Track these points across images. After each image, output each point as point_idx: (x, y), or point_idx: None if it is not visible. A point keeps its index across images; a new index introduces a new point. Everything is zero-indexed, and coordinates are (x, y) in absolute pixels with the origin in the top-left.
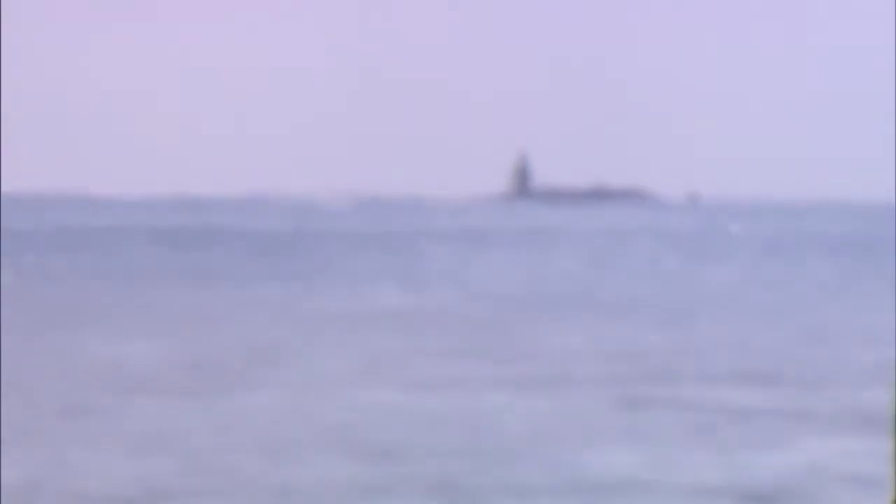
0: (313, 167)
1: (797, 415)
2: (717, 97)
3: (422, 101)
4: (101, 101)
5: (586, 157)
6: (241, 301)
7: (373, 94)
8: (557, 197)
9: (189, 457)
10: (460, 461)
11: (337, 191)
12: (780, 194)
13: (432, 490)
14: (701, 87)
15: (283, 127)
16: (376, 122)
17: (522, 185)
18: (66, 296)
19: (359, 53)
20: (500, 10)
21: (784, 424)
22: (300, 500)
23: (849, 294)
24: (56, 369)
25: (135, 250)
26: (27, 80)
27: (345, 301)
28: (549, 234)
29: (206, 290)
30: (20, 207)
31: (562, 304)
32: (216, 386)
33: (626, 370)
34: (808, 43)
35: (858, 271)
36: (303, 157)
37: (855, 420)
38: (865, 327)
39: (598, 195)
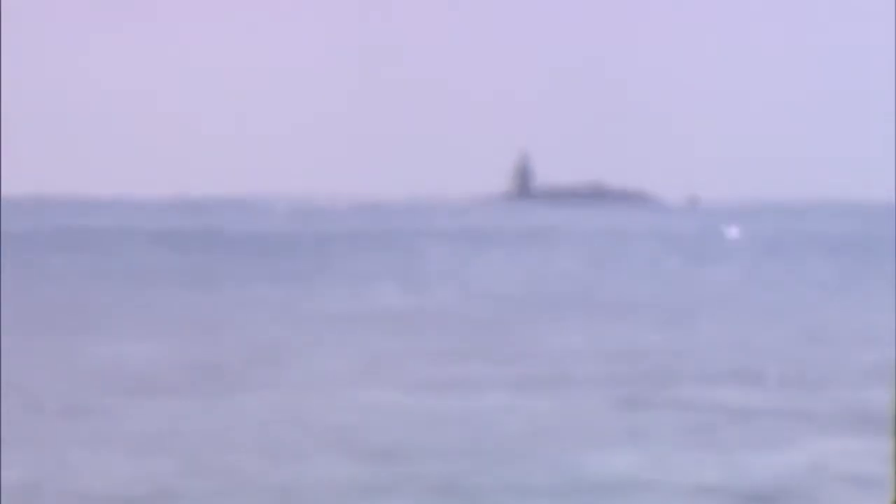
0: (313, 168)
1: (797, 415)
2: (716, 98)
3: (422, 102)
4: (101, 101)
5: (586, 157)
6: (241, 302)
7: (373, 95)
8: (558, 197)
9: (190, 457)
10: (461, 461)
11: (337, 191)
12: (780, 195)
13: (433, 490)
14: (701, 88)
15: (282, 127)
16: (376, 123)
17: (523, 185)
18: (66, 297)
19: (359, 53)
20: (500, 10)
21: (784, 424)
22: (300, 500)
23: (849, 294)
24: (57, 370)
25: (135, 251)
26: (27, 81)
27: (345, 302)
28: (550, 234)
29: (207, 290)
30: (20, 208)
31: (562, 305)
32: (216, 386)
33: (626, 370)
34: (808, 43)
35: (858, 271)
36: (303, 158)
37: (855, 420)
38: (865, 327)
39: (599, 196)
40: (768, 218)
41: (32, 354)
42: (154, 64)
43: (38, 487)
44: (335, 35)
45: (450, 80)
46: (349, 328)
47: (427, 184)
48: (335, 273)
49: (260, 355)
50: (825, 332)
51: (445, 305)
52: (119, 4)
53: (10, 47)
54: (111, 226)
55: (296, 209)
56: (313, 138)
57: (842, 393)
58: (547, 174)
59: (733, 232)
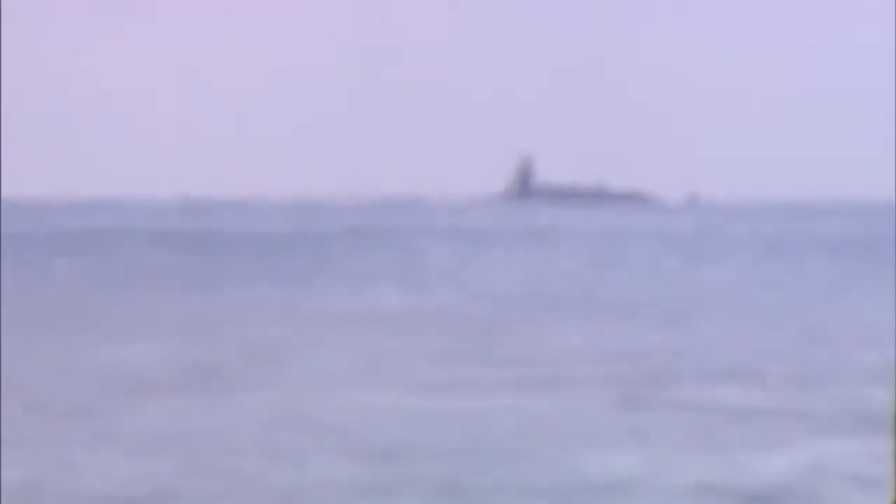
0: (314, 168)
1: (797, 415)
2: (717, 98)
3: (422, 102)
4: (100, 101)
5: (587, 157)
6: (241, 302)
7: (373, 95)
8: (558, 198)
9: (190, 458)
10: (461, 461)
11: (337, 191)
12: (781, 194)
13: (433, 491)
14: (701, 88)
15: (283, 127)
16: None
17: (523, 185)
18: (66, 297)
19: (359, 53)
20: (500, 10)
21: (784, 424)
22: (301, 500)
23: (849, 294)
24: (57, 371)
25: (135, 252)
26: (27, 81)
27: (345, 301)
28: (550, 234)
29: (207, 291)
30: (19, 209)
31: (562, 305)
32: (217, 387)
33: (626, 370)
34: (808, 43)
35: (858, 271)
36: (303, 158)
37: (855, 420)
38: (865, 327)
39: (599, 196)
40: (768, 218)
41: (33, 355)
42: (154, 64)
43: (38, 487)
44: (335, 35)
45: (450, 80)
46: (349, 328)
47: (427, 184)
48: (335, 273)
49: (260, 355)
50: (825, 331)
51: (445, 305)
52: (119, 4)
53: (10, 47)
54: (111, 226)
55: (296, 209)
56: (313, 138)
57: (842, 393)
58: (547, 174)
59: (737, 230)
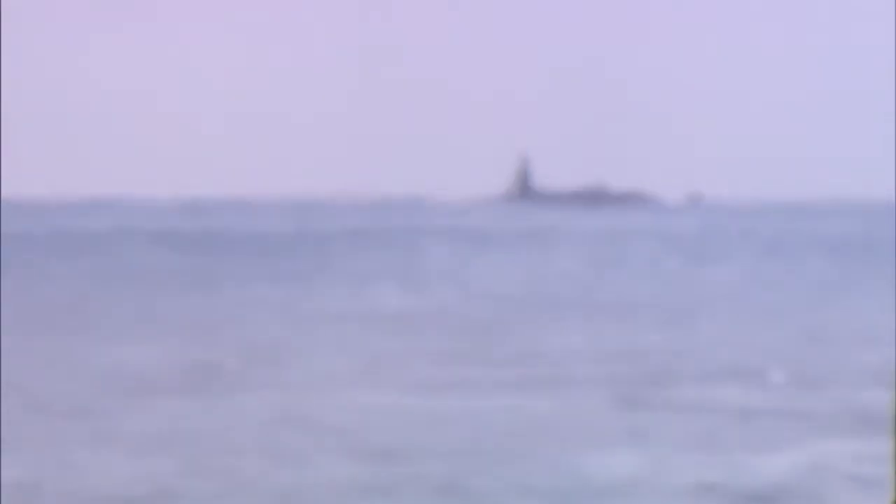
0: (314, 168)
1: (797, 415)
2: (717, 98)
3: (422, 102)
4: (101, 101)
5: (587, 158)
6: (241, 302)
7: (373, 95)
8: (558, 199)
9: (190, 458)
10: (461, 462)
11: (337, 191)
12: (781, 194)
13: (433, 491)
14: (701, 88)
15: (283, 127)
16: (376, 123)
17: (523, 186)
18: (66, 298)
19: (359, 54)
20: (500, 10)
21: (784, 424)
22: (301, 500)
23: (849, 294)
24: (58, 371)
25: (135, 252)
26: (27, 81)
27: (345, 302)
28: (550, 235)
29: (207, 291)
30: (19, 209)
31: (562, 305)
32: (217, 387)
33: (626, 371)
34: (808, 43)
35: (858, 271)
36: (303, 158)
37: (855, 420)
38: (865, 327)
39: (599, 197)
40: (768, 217)
41: (33, 355)
42: (154, 64)
43: (39, 487)
44: (335, 35)
45: (450, 80)
46: (349, 328)
47: (427, 184)
48: (335, 273)
49: (260, 356)
50: (825, 332)
51: (445, 306)
52: (119, 4)
53: (10, 47)
54: (111, 226)
55: (296, 209)
56: (313, 138)
57: (842, 393)
58: (547, 175)
59: (739, 226)
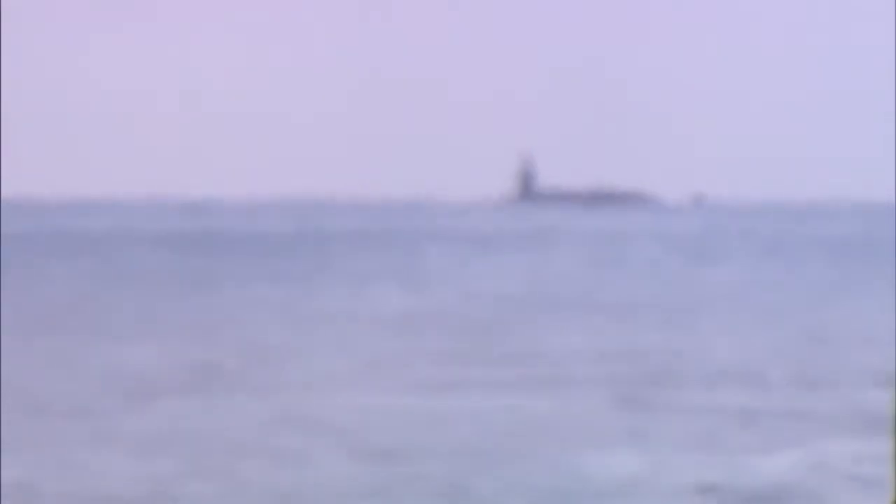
0: (314, 169)
1: (797, 415)
2: (717, 98)
3: (423, 103)
4: (101, 101)
5: (589, 159)
6: (241, 302)
7: (374, 96)
8: (560, 200)
9: (190, 458)
10: (461, 462)
11: (337, 192)
12: (781, 195)
13: (434, 491)
14: (701, 88)
15: (283, 128)
16: (378, 124)
17: (525, 187)
18: (66, 299)
19: (360, 54)
20: (501, 11)
21: (784, 425)
22: (301, 500)
23: (849, 294)
24: (58, 372)
25: (135, 252)
26: (27, 81)
27: (345, 302)
28: (551, 236)
29: (207, 291)
30: (19, 210)
31: (562, 305)
32: (217, 388)
33: (627, 371)
34: (809, 43)
35: (859, 271)
36: (304, 159)
37: (855, 420)
38: (866, 328)
39: (602, 198)
40: (768, 218)
41: (33, 355)
42: (154, 64)
43: (38, 488)
44: (336, 36)
45: (451, 81)
46: (349, 328)
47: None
48: (335, 273)
49: (260, 356)
50: (826, 332)
51: (446, 306)
52: (119, 4)
53: (10, 47)
54: (111, 226)
55: (296, 209)
56: (313, 138)
57: (842, 393)
58: (549, 175)
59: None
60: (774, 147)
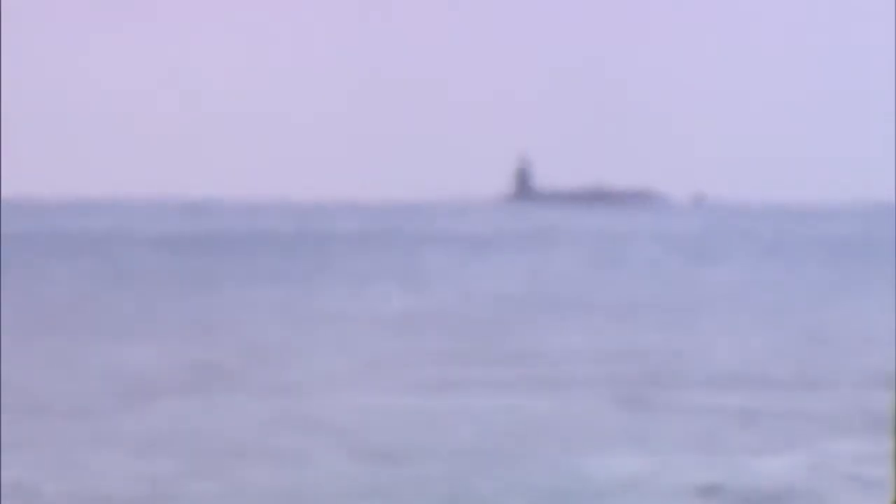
0: (313, 168)
1: (798, 415)
2: (717, 98)
3: (422, 103)
4: (101, 101)
5: (589, 158)
6: (241, 303)
7: (373, 96)
8: (558, 199)
9: (190, 458)
10: (461, 462)
11: (337, 192)
12: (781, 195)
13: (434, 491)
14: (701, 88)
15: (282, 128)
16: (376, 124)
17: (524, 187)
18: (65, 299)
19: (360, 54)
20: (500, 10)
21: (785, 425)
22: (301, 500)
23: (849, 294)
24: (58, 372)
25: (135, 252)
26: (27, 81)
27: (345, 302)
28: (550, 235)
29: (207, 291)
30: (19, 210)
31: (562, 305)
32: (217, 388)
33: (627, 371)
34: (809, 43)
35: (859, 272)
36: (303, 159)
37: (855, 421)
38: (866, 328)
39: (599, 197)
40: (769, 218)
41: (33, 355)
42: (154, 64)
43: (38, 488)
44: (336, 36)
45: (450, 80)
46: (349, 328)
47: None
48: (335, 273)
49: (260, 356)
50: (826, 332)
51: (445, 306)
52: (119, 4)
53: (10, 47)
54: (111, 226)
55: (296, 209)
56: (313, 139)
57: (843, 393)
58: (548, 175)
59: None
60: (775, 147)
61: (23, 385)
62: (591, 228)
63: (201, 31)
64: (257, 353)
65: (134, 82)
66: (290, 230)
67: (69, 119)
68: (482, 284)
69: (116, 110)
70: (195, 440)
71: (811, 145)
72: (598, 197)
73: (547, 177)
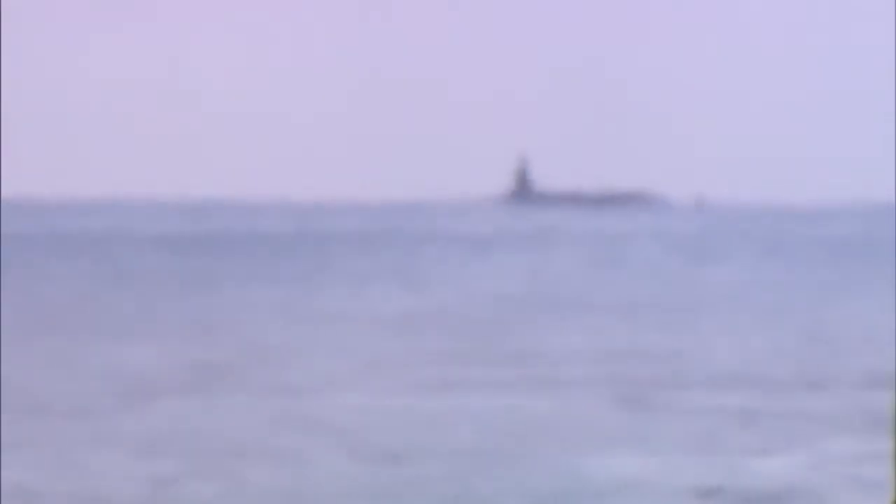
0: (313, 168)
1: (798, 416)
2: (717, 98)
3: (422, 103)
4: (101, 101)
5: (586, 159)
6: (241, 303)
7: (373, 96)
8: (557, 200)
9: (191, 459)
10: (461, 462)
11: (336, 192)
12: (781, 195)
13: (434, 491)
14: (701, 88)
15: (282, 128)
16: (376, 124)
17: (523, 187)
18: (65, 299)
19: (360, 55)
20: (500, 11)
21: (785, 425)
22: (301, 500)
23: (850, 295)
24: (58, 372)
25: (135, 252)
26: (27, 81)
27: (345, 302)
28: (550, 236)
29: (207, 292)
30: (19, 210)
31: (562, 305)
32: (217, 388)
33: (627, 371)
34: (809, 43)
35: (859, 272)
36: (303, 159)
37: (856, 421)
38: (866, 328)
39: (598, 198)
40: (769, 219)
41: (33, 355)
42: (154, 64)
43: (38, 488)
44: (335, 35)
45: (450, 81)
46: (349, 329)
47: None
48: (335, 274)
49: (260, 356)
50: (826, 332)
51: (445, 306)
52: (119, 4)
53: (10, 47)
54: (111, 226)
55: (296, 210)
56: (313, 139)
57: (843, 394)
58: (548, 175)
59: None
60: (775, 147)
61: (23, 385)
62: (591, 228)
63: (201, 30)
64: (257, 353)
65: (134, 82)
66: (290, 230)
67: (69, 119)
68: (482, 284)
69: (116, 110)
70: (195, 440)
71: (811, 145)
72: (596, 198)
73: (546, 177)
